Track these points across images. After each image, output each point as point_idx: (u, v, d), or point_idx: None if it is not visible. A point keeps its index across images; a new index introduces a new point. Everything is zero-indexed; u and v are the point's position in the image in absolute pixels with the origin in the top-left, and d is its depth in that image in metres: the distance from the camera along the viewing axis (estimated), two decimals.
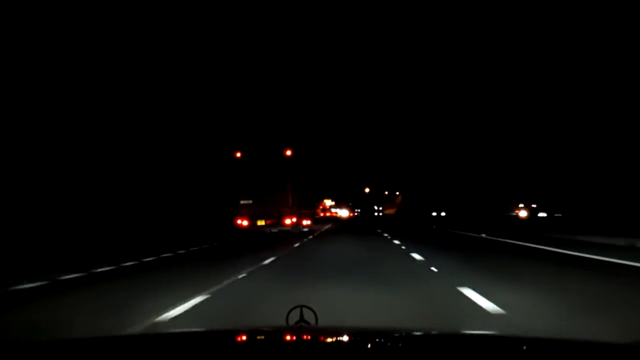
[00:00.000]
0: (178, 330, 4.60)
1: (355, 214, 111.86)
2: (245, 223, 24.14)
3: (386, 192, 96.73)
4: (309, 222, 29.96)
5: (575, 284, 7.46)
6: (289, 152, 24.44)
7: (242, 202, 24.26)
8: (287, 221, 24.20)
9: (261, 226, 24.20)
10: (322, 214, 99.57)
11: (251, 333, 2.19)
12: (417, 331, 2.44)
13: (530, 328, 4.67)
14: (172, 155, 32.62)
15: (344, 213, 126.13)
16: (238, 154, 24.42)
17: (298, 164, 26.56)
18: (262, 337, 2.17)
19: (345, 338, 2.12)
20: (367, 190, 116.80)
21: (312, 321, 2.37)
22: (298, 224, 25.13)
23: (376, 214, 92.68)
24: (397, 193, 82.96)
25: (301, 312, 2.39)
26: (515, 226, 29.93)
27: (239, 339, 2.10)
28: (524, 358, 1.75)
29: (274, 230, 24.21)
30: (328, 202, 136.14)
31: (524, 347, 1.89)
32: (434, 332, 2.46)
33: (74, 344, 1.98)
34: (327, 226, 42.81)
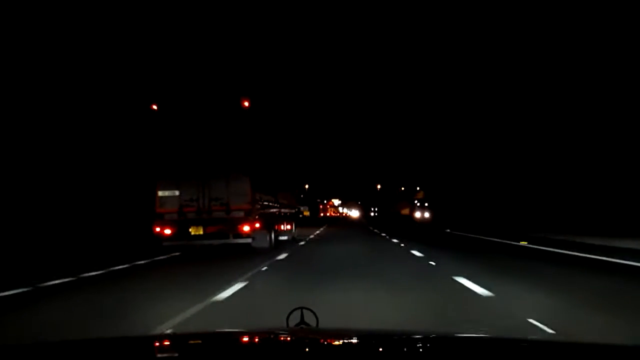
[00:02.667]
0: (178, 332, 4.56)
1: (373, 214, 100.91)
2: (168, 231, 13.61)
3: (402, 189, 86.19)
4: (289, 226, 19.38)
5: None
6: (246, 104, 13.79)
7: (161, 192, 13.74)
8: (245, 228, 13.67)
9: (198, 237, 13.67)
10: (322, 214, 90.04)
11: (251, 335, 2.21)
12: (418, 333, 2.25)
13: None
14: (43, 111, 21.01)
15: (353, 213, 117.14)
16: (154, 106, 13.78)
17: (266, 126, 16.00)
18: (262, 339, 2.14)
19: (346, 340, 2.12)
20: (378, 187, 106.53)
21: (313, 323, 2.32)
22: (266, 232, 14.59)
23: (419, 214, 60.76)
24: (418, 189, 71.71)
25: (302, 314, 2.35)
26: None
27: (239, 340, 2.13)
28: None
29: (240, 240, 13.92)
30: (336, 202, 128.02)
31: (527, 350, 1.87)
32: (435, 334, 2.27)
33: (72, 346, 1.99)
34: (322, 231, 32.12)
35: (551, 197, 34.74)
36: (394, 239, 21.24)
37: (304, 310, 2.37)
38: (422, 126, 62.95)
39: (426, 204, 60.16)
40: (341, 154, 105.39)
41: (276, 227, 17.22)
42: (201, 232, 13.86)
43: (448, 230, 28.94)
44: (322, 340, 2.07)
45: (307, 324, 2.31)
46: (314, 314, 2.36)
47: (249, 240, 13.95)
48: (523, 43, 33.58)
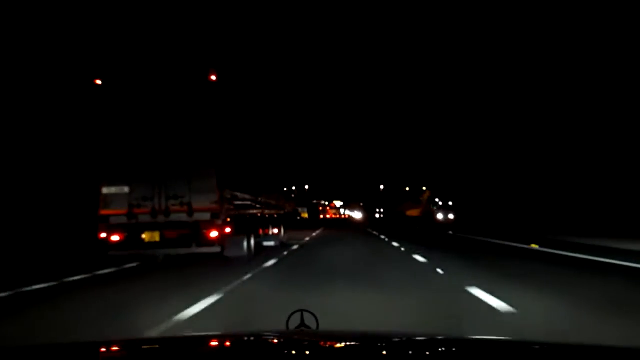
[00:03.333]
0: (177, 334, 4.50)
1: (379, 215, 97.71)
2: (116, 238, 10.86)
3: (407, 189, 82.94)
4: (275, 230, 16.62)
5: None
6: (214, 77, 11.04)
7: (106, 189, 10.99)
8: (213, 233, 10.92)
9: (153, 245, 10.94)
10: (322, 216, 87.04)
11: (252, 337, 2.21)
12: (418, 335, 2.32)
13: None
14: None
15: (356, 215, 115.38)
16: (98, 81, 11.03)
17: (242, 108, 13.27)
18: (262, 341, 2.12)
19: (346, 343, 2.10)
20: (382, 187, 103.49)
21: (313, 326, 2.28)
22: (242, 238, 11.87)
23: (441, 215, 50.03)
24: (424, 188, 68.47)
25: (302, 316, 2.32)
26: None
27: (240, 342, 2.10)
28: None
29: (207, 249, 11.20)
30: (338, 203, 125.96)
31: (528, 352, 1.87)
32: (436, 337, 2.31)
33: (71, 349, 1.98)
34: (317, 234, 29.20)
35: (565, 195, 33.28)
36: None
37: (304, 313, 2.34)
38: (427, 123, 60.34)
39: (450, 203, 53.57)
40: (343, 155, 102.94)
41: (259, 231, 14.47)
42: (157, 239, 11.09)
43: (536, 247, 15.54)
44: (322, 343, 2.06)
45: (308, 327, 2.27)
46: (314, 316, 2.34)
47: (218, 248, 11.17)
48: (528, 42, 35.18)
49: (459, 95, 49.21)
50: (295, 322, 2.28)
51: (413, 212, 65.48)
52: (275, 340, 2.10)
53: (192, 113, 11.17)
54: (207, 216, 10.96)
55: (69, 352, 1.86)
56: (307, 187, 79.89)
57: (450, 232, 28.78)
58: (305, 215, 63.48)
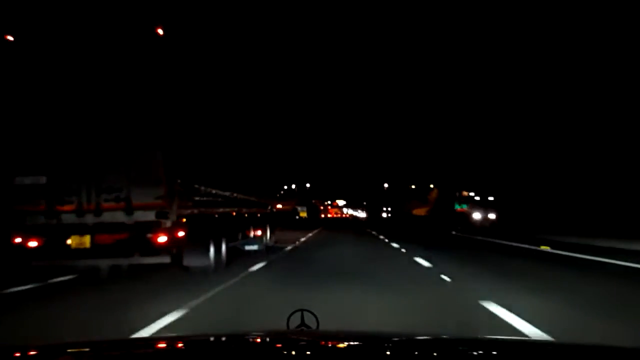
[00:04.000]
0: (177, 334, 4.44)
1: (386, 214, 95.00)
2: (33, 243, 8.21)
3: (413, 187, 79.66)
4: (258, 232, 13.99)
5: None
6: (160, 32, 8.28)
7: (19, 179, 8.31)
8: (161, 238, 8.22)
9: (82, 253, 8.26)
10: (324, 215, 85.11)
11: (252, 337, 2.20)
12: (419, 335, 2.33)
13: None
14: None
15: (359, 214, 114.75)
16: (9, 37, 8.34)
17: (208, 74, 10.65)
18: (263, 340, 2.12)
19: (346, 343, 2.07)
20: (385, 185, 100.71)
21: (314, 325, 2.29)
22: (205, 243, 9.19)
23: (478, 215, 43.61)
24: (432, 186, 65.47)
25: (302, 316, 2.32)
26: None
27: (240, 342, 2.08)
28: None
29: (153, 259, 8.50)
30: (341, 202, 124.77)
31: (529, 352, 1.86)
32: (436, 337, 2.30)
33: (66, 348, 1.91)
34: (313, 235, 26.37)
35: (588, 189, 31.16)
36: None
37: (305, 313, 2.33)
38: (430, 118, 57.98)
39: (490, 198, 45.33)
40: (346, 153, 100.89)
41: (236, 234, 11.78)
42: (87, 246, 8.38)
43: None
44: (322, 342, 2.04)
45: (308, 326, 2.27)
46: (315, 316, 2.32)
47: (167, 258, 8.46)
48: (530, 41, 34.54)
49: (458, 91, 47.77)
50: (295, 321, 2.28)
51: (420, 211, 62.63)
52: (276, 340, 2.06)
53: (132, 78, 8.46)
54: (151, 215, 8.25)
55: (59, 352, 1.81)
56: (308, 185, 77.33)
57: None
58: (304, 215, 60.91)
